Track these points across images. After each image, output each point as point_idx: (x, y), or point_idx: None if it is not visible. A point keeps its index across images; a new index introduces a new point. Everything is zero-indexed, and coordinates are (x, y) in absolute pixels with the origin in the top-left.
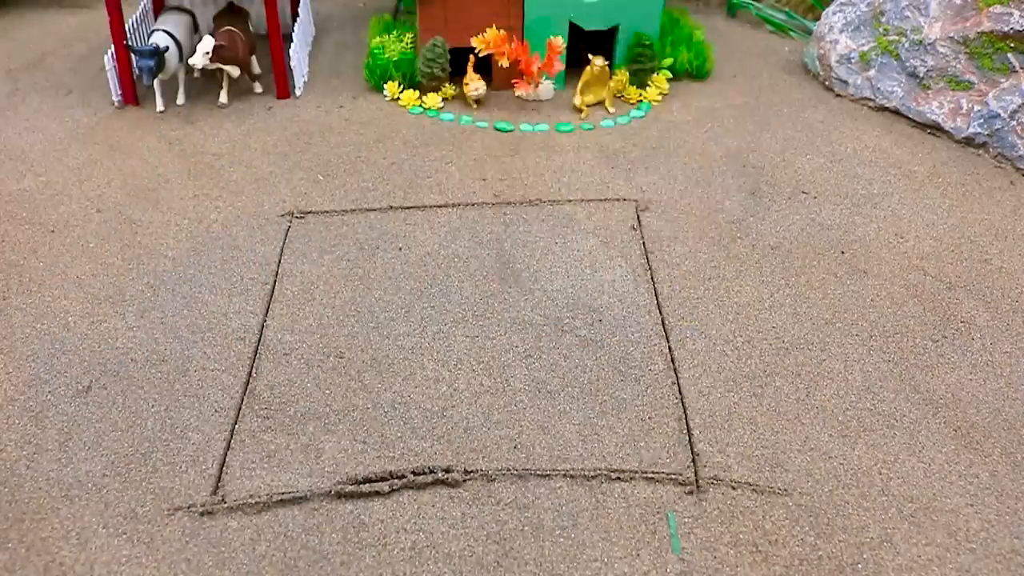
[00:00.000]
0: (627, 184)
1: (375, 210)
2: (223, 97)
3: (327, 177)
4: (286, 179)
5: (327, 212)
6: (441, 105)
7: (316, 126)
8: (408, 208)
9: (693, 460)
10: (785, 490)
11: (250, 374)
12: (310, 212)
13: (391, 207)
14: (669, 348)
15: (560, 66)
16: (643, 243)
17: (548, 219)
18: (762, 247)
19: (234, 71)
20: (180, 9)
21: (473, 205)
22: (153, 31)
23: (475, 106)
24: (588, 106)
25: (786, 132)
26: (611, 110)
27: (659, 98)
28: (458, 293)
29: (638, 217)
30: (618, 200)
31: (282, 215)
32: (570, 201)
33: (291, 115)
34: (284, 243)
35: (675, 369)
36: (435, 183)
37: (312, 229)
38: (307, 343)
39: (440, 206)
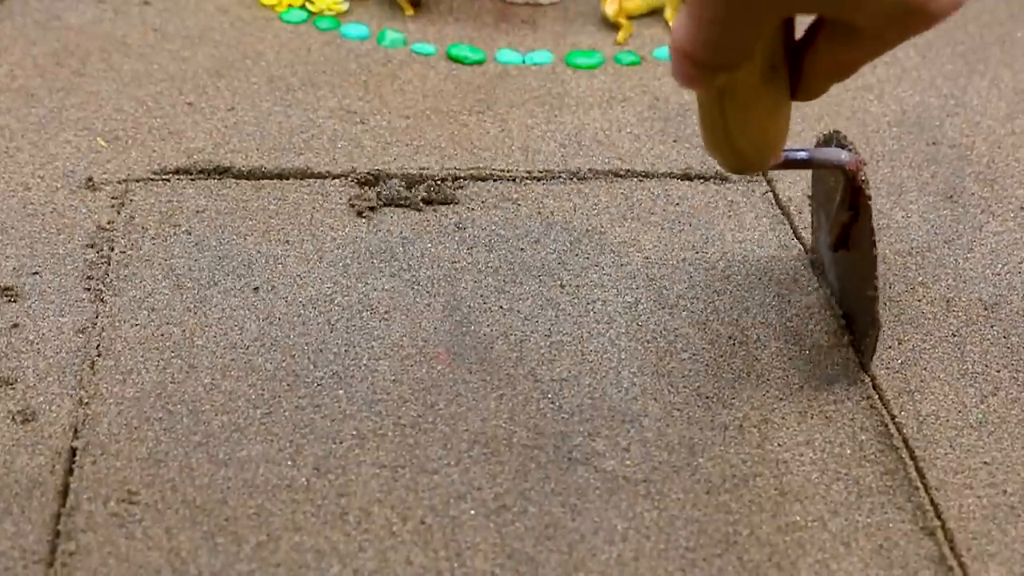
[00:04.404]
0: (704, 172)
1: (204, 212)
2: None
3: (115, 140)
4: (34, 141)
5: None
6: (345, 8)
7: (95, 40)
8: (275, 208)
9: None
10: None
11: None
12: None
13: (240, 203)
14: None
15: None
16: (730, 290)
17: (548, 238)
18: (966, 306)
19: None
20: None
21: (401, 207)
22: None
23: (411, 11)
24: (631, 18)
25: (1019, 79)
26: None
27: None
28: (365, 380)
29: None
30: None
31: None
32: (593, 209)
33: (46, 16)
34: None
35: None
36: (325, 159)
37: (87, 246)
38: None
39: (337, 206)
